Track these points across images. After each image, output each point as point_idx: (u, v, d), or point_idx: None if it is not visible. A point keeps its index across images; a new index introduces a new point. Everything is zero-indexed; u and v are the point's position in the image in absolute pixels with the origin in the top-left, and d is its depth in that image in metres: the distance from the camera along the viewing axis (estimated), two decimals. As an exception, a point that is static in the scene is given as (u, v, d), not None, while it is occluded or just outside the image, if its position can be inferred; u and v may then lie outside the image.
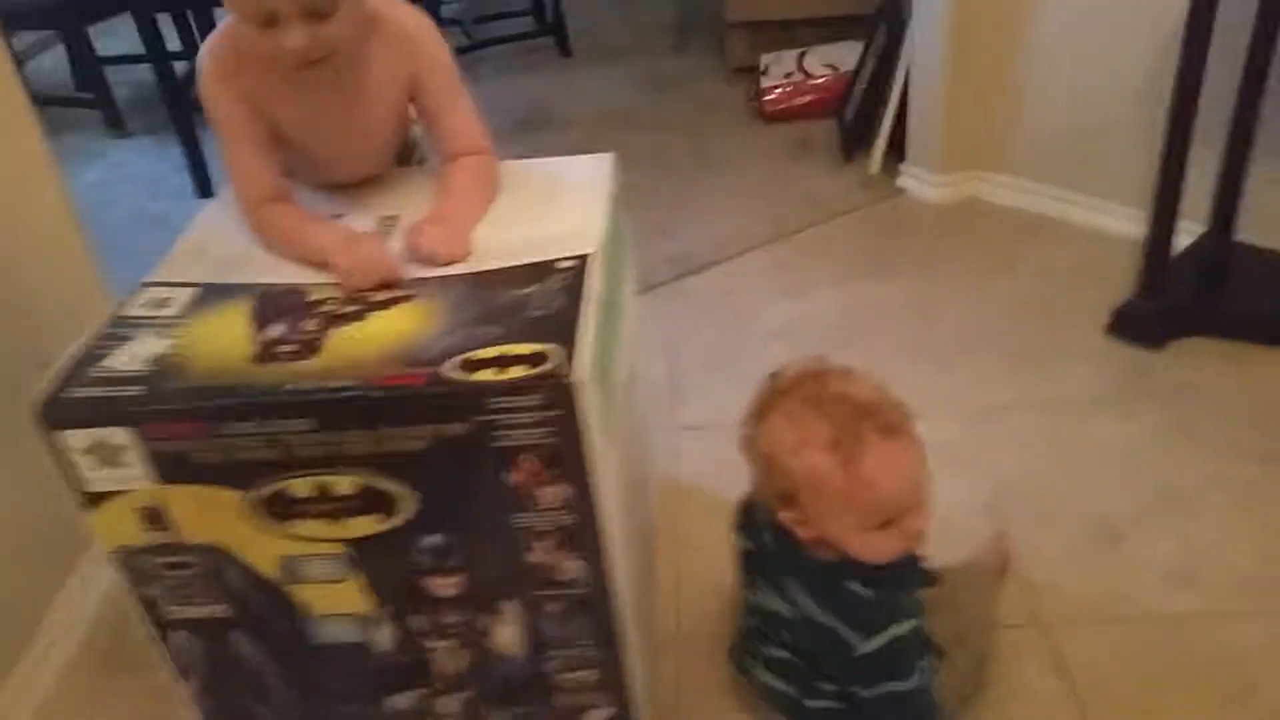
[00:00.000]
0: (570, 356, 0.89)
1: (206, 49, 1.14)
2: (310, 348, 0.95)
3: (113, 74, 3.15)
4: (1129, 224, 1.98)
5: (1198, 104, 1.62)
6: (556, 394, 0.88)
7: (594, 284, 1.01)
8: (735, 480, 1.11)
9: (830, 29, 2.83)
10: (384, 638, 1.05)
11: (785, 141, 2.65)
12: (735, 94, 2.94)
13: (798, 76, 2.74)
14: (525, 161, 1.29)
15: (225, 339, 0.98)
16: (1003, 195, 2.25)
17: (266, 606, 1.03)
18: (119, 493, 0.95)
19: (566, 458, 0.91)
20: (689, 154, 2.64)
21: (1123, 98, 1.98)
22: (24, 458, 1.30)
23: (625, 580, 1.02)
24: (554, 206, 1.18)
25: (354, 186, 1.25)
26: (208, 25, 2.88)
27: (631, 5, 3.81)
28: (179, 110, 2.60)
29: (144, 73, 3.19)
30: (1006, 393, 1.69)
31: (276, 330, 0.99)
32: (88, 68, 3.17)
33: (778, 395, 1.00)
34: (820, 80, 2.71)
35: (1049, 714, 1.17)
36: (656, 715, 1.18)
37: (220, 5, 1.08)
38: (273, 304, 1.03)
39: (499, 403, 0.88)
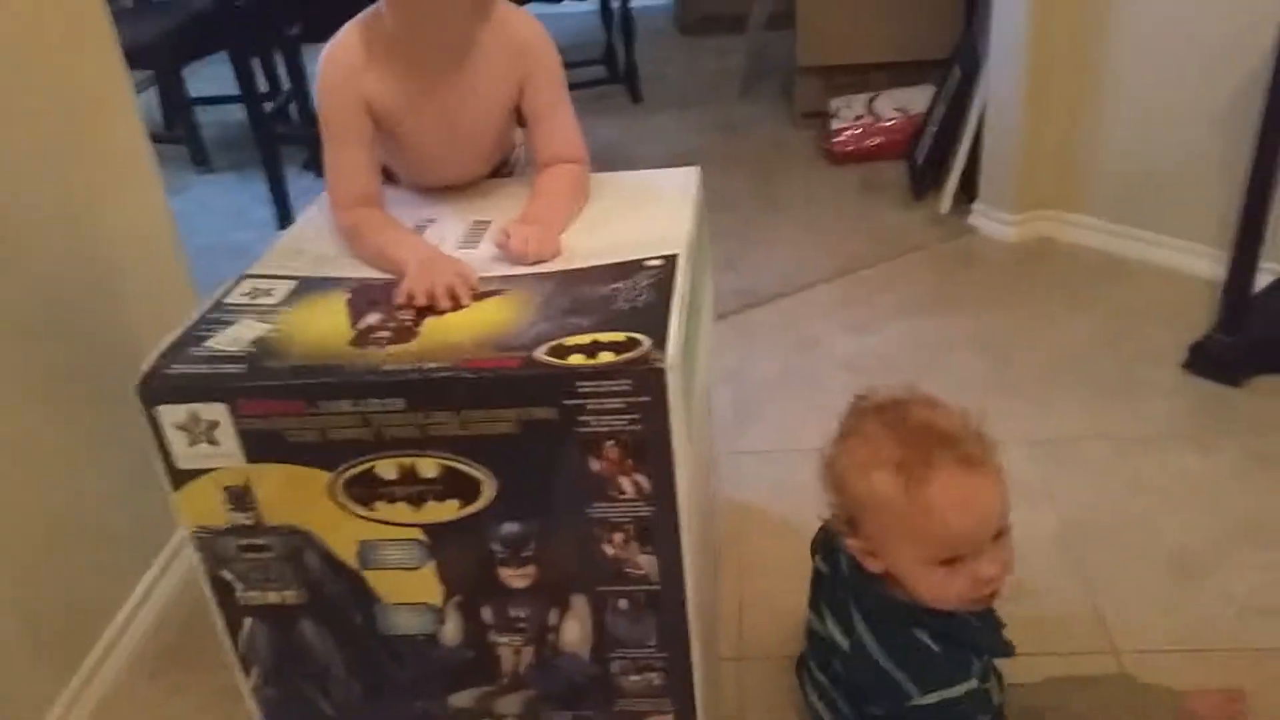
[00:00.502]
0: (659, 344, 0.90)
1: (331, 49, 1.18)
2: (405, 334, 0.98)
3: (199, 114, 3.30)
4: (1207, 264, 1.95)
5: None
6: (645, 379, 0.89)
7: (681, 282, 1.02)
8: (796, 504, 1.11)
9: (901, 74, 2.84)
10: (452, 631, 1.06)
11: (853, 182, 2.66)
12: (804, 138, 2.96)
13: (867, 119, 2.76)
14: (615, 173, 1.31)
15: (323, 325, 1.01)
16: (1077, 235, 2.23)
17: (340, 593, 1.04)
18: (207, 470, 0.97)
19: (650, 446, 0.92)
20: (756, 193, 2.66)
21: (1201, 136, 1.96)
22: (113, 452, 1.36)
23: (694, 582, 1.01)
24: (642, 212, 1.20)
25: (450, 191, 1.29)
26: (295, 67, 3.01)
27: (700, 54, 3.88)
28: (266, 145, 2.69)
29: (227, 113, 3.35)
30: (1079, 425, 1.66)
31: (373, 318, 1.02)
32: (177, 107, 3.31)
33: (860, 417, 0.99)
34: (890, 123, 2.73)
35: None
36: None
37: (310, 40, 1.14)
38: (368, 295, 1.07)
39: (588, 387, 0.89)
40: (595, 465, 0.94)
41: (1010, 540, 0.95)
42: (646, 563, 0.99)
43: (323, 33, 1.22)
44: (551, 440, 0.92)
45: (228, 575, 1.04)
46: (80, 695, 1.30)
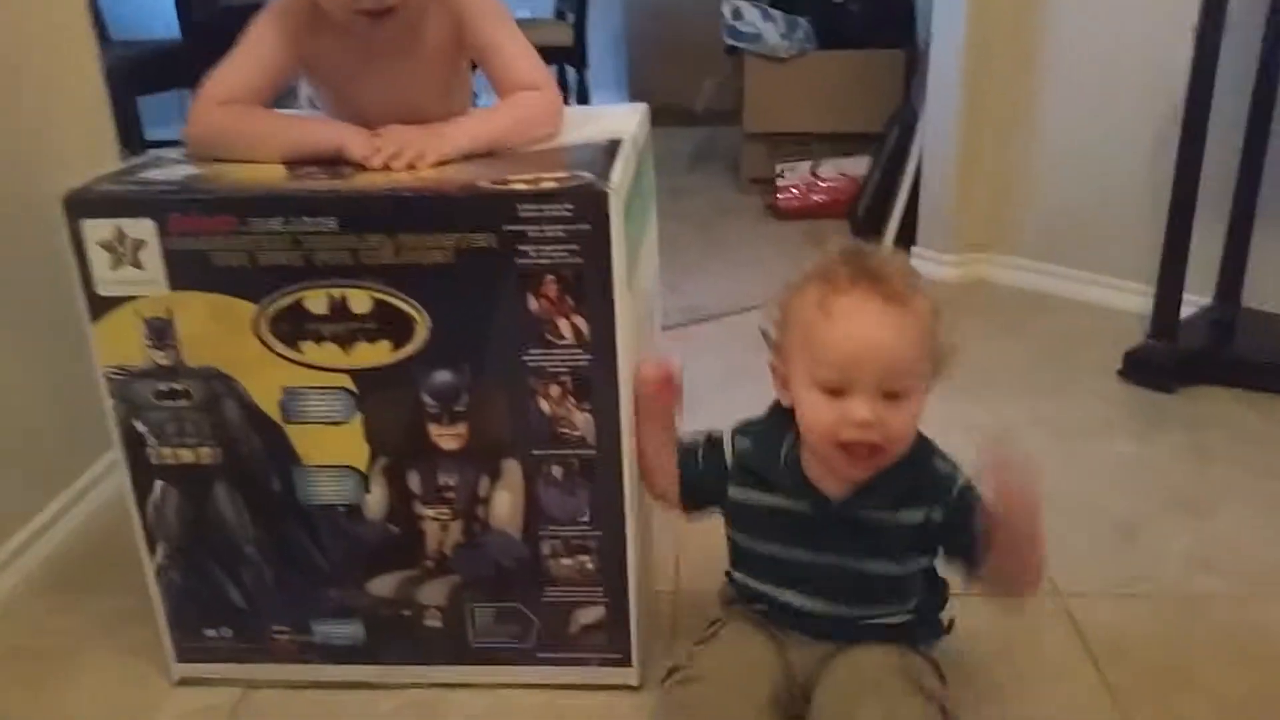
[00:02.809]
0: (602, 177, 0.90)
1: None
2: (342, 176, 0.96)
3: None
4: (1136, 299, 2.01)
5: (1201, 167, 1.70)
6: (587, 202, 0.88)
7: (626, 147, 1.02)
8: None
9: (843, 143, 2.97)
10: (376, 500, 1.01)
11: (797, 233, 2.73)
12: (750, 200, 3.05)
13: (811, 179, 2.86)
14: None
15: (259, 169, 0.99)
16: (1012, 275, 2.30)
17: (258, 451, 0.99)
18: (129, 299, 0.94)
19: (590, 282, 0.91)
20: (702, 240, 2.71)
21: (1124, 179, 2.06)
22: (43, 361, 1.31)
23: (631, 453, 0.98)
24: (588, 125, 1.20)
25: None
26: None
27: (653, 133, 4.02)
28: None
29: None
30: (1020, 417, 1.67)
31: (310, 169, 0.99)
32: (132, 144, 3.32)
33: (825, 256, 0.96)
34: (833, 183, 2.83)
35: (1069, 680, 1.10)
36: (651, 626, 1.11)
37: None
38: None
39: (529, 210, 0.89)
40: (534, 305, 0.92)
41: (908, 414, 0.90)
42: (583, 422, 0.96)
43: None
44: (489, 272, 0.91)
45: (141, 427, 0.98)
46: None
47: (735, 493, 1.00)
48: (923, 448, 0.96)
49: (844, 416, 0.88)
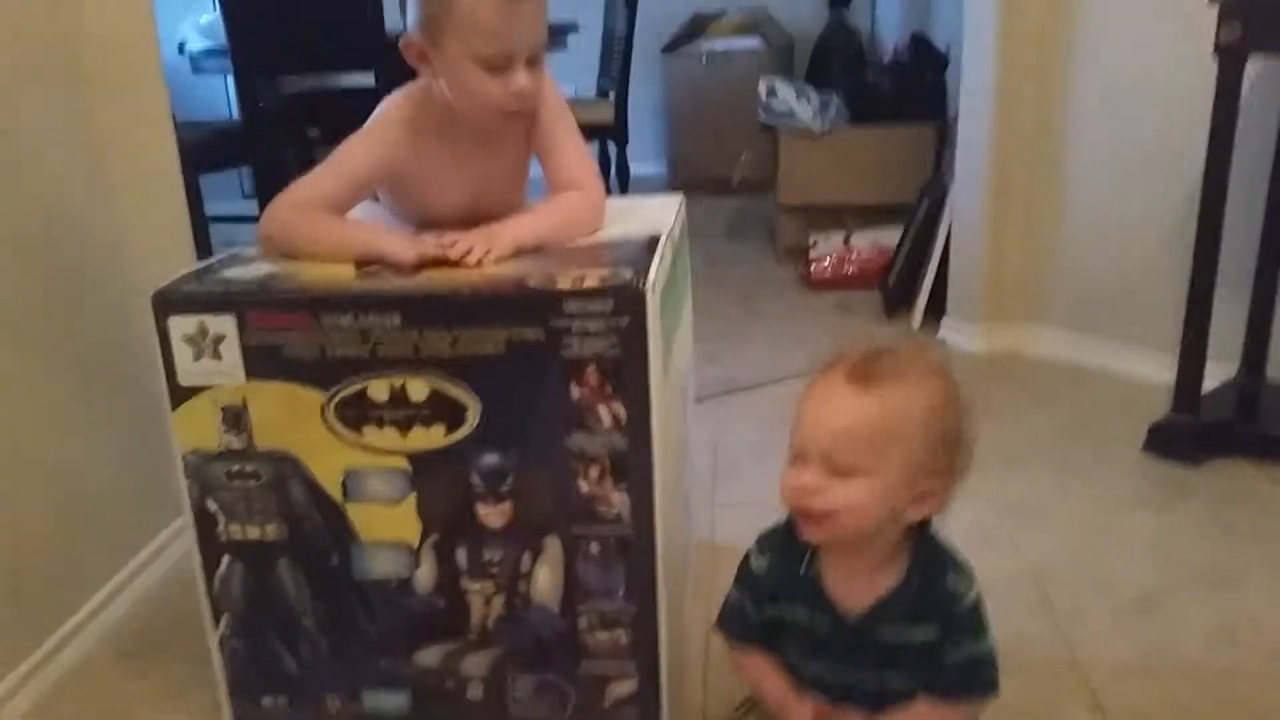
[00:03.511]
0: (641, 276, 0.98)
1: (389, 106, 1.20)
2: (407, 275, 1.05)
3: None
4: (1163, 370, 2.04)
5: (1219, 248, 1.75)
6: (627, 299, 0.96)
7: (663, 244, 1.11)
8: None
9: (875, 215, 3.05)
10: (426, 575, 1.08)
11: (830, 303, 2.80)
12: (785, 270, 3.14)
13: (844, 251, 2.94)
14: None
15: (329, 269, 1.08)
16: (1041, 346, 2.35)
17: (320, 529, 1.07)
18: (207, 388, 1.03)
19: (628, 371, 0.98)
20: (739, 308, 2.79)
21: (1151, 251, 2.11)
22: (120, 434, 1.42)
23: (664, 525, 1.05)
24: (628, 221, 1.28)
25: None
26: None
27: (690, 208, 4.13)
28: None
29: (238, 232, 3.51)
30: (1046, 490, 1.71)
31: (375, 269, 1.08)
32: (195, 225, 3.48)
33: None
34: (865, 254, 2.90)
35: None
36: (681, 701, 1.16)
37: (328, 142, 1.19)
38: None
39: (574, 306, 0.97)
40: (576, 392, 0.99)
41: (864, 492, 0.91)
42: (619, 501, 1.03)
43: (338, 134, 1.22)
44: (536, 363, 0.99)
45: (212, 506, 1.07)
46: (44, 664, 1.30)
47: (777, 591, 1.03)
48: (937, 562, 0.96)
49: (792, 481, 0.94)
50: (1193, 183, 1.76)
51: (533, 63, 1.14)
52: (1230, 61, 1.65)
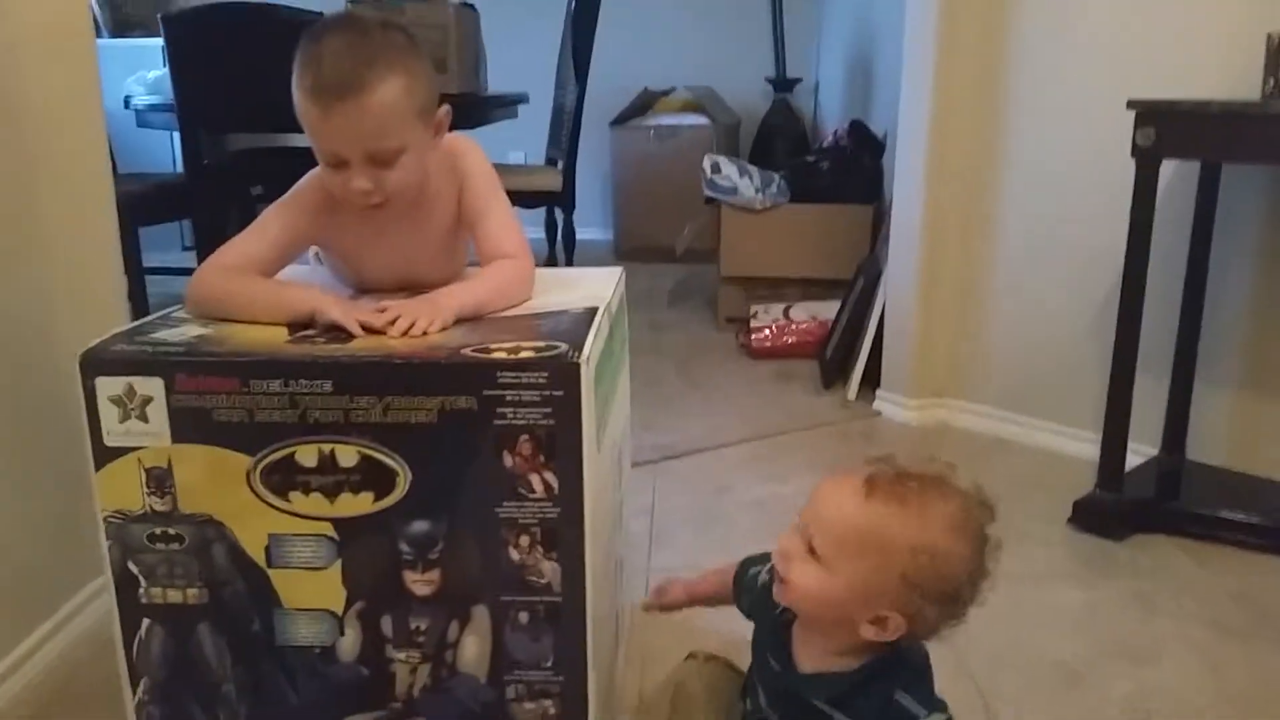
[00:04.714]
0: (576, 348, 1.00)
1: (306, 178, 1.22)
2: (339, 341, 1.05)
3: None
4: (1087, 446, 2.11)
5: (1139, 334, 1.82)
6: (561, 372, 0.97)
7: (600, 317, 1.13)
8: (699, 612, 1.25)
9: (814, 288, 3.12)
10: (350, 643, 1.06)
11: (769, 372, 2.85)
12: (725, 338, 3.18)
13: (783, 321, 2.99)
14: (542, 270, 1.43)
15: (262, 331, 1.08)
16: (969, 420, 2.41)
17: (243, 594, 1.05)
18: (133, 449, 1.01)
19: (561, 442, 0.99)
20: (678, 374, 2.83)
21: (1075, 334, 2.20)
22: (34, 492, 1.38)
23: (594, 594, 1.05)
24: (567, 291, 1.29)
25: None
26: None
27: (633, 274, 4.17)
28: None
29: (174, 284, 3.47)
30: (972, 565, 1.74)
31: (309, 332, 1.09)
32: (130, 275, 3.44)
33: None
34: (804, 325, 2.96)
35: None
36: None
37: (270, 200, 1.22)
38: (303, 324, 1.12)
39: (508, 378, 0.97)
40: (508, 461, 1.00)
41: (812, 572, 0.94)
42: (550, 570, 1.03)
43: (282, 193, 1.23)
44: (469, 432, 0.99)
45: (134, 568, 1.04)
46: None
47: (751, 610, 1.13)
48: (892, 676, 0.96)
49: (781, 538, 0.99)
50: (1115, 271, 1.84)
51: (380, 162, 1.11)
52: (1146, 163, 1.74)
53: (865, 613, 0.93)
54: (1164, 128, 1.71)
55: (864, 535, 0.93)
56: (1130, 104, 1.73)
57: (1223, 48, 1.90)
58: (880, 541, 0.92)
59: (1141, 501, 1.89)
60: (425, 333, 1.06)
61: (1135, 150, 1.74)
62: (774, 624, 1.05)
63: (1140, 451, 2.00)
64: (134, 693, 1.09)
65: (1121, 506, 1.85)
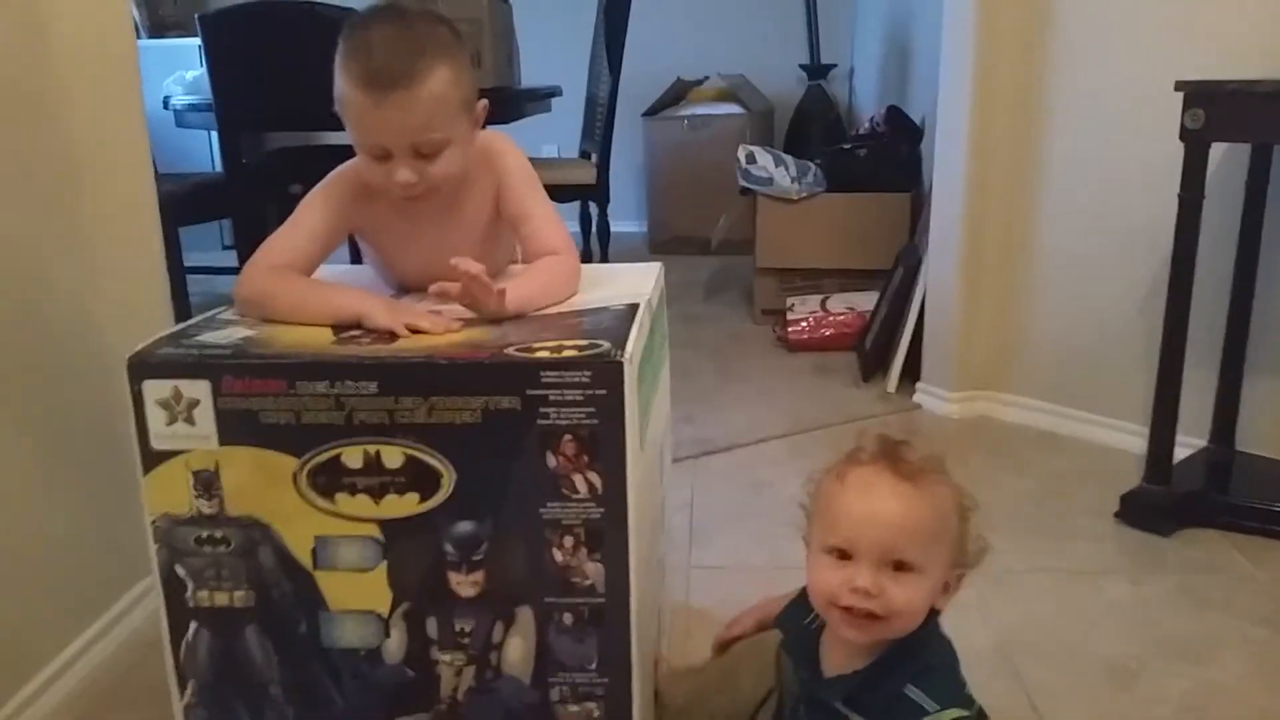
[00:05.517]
0: (619, 347, 0.99)
1: (345, 167, 1.21)
2: (384, 340, 1.05)
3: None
4: (1134, 439, 2.08)
5: (1188, 322, 1.78)
6: (604, 371, 0.96)
7: (641, 314, 1.12)
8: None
9: (851, 279, 3.09)
10: (395, 645, 1.06)
11: (807, 365, 2.82)
12: (762, 331, 3.16)
13: (820, 313, 2.97)
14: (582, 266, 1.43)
15: (306, 332, 1.09)
16: (1013, 413, 2.38)
17: (289, 596, 1.05)
18: (179, 452, 1.02)
19: (604, 441, 0.98)
20: (716, 369, 2.81)
21: (1122, 324, 2.15)
22: (83, 494, 1.41)
23: (638, 596, 1.04)
24: (608, 287, 1.28)
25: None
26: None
27: (668, 267, 4.17)
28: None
29: (218, 283, 3.51)
30: (1016, 561, 1.71)
31: (354, 332, 1.09)
32: (171, 274, 3.48)
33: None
34: (841, 317, 2.93)
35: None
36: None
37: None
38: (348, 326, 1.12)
39: (551, 377, 0.97)
40: (552, 461, 0.99)
41: (913, 591, 0.91)
42: (593, 571, 1.02)
43: None
44: (512, 432, 0.99)
45: (181, 571, 1.05)
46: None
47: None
48: (906, 669, 0.95)
49: (846, 582, 0.92)
50: (1162, 259, 1.80)
51: (425, 154, 1.11)
52: (1195, 146, 1.70)
53: (940, 588, 0.95)
54: (1212, 109, 1.66)
55: (933, 520, 0.93)
56: (1178, 85, 1.69)
57: (1271, 26, 1.85)
58: (943, 515, 0.94)
59: (1190, 495, 1.85)
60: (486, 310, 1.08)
61: (1184, 133, 1.70)
62: (804, 635, 1.04)
63: (1188, 443, 1.95)
64: (182, 695, 1.09)
65: (1170, 500, 1.82)
